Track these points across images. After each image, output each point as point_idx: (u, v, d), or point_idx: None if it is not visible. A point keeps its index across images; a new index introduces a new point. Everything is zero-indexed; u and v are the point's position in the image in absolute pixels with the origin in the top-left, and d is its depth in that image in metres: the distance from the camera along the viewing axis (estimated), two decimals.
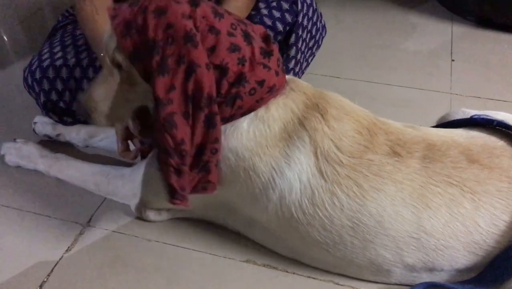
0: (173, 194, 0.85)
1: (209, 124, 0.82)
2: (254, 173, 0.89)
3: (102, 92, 0.89)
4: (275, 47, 0.90)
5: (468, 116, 1.02)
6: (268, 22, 1.28)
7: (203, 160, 0.85)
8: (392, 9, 2.02)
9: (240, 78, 0.84)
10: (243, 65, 0.84)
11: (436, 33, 1.84)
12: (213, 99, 0.82)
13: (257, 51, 0.86)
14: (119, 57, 0.84)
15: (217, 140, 0.84)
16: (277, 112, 0.89)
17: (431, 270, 0.88)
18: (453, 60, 1.67)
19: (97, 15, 1.09)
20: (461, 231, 0.84)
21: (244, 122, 0.88)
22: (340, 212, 0.86)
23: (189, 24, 0.79)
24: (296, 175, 0.87)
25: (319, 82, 1.53)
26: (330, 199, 0.86)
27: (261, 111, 0.89)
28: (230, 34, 0.83)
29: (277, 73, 0.89)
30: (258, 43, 0.87)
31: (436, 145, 0.90)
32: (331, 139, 0.88)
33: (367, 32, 1.86)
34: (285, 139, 0.88)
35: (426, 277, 0.90)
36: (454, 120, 1.07)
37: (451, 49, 1.73)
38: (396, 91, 1.52)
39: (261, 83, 0.86)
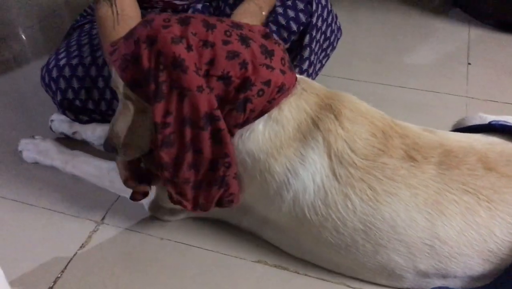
0: (172, 198, 0.91)
1: (216, 141, 0.84)
2: (269, 174, 0.89)
3: (123, 126, 0.89)
4: (276, 47, 0.89)
5: (486, 122, 1.01)
6: (283, 21, 1.28)
7: (219, 175, 0.86)
8: (408, 12, 2.01)
9: (245, 83, 0.84)
10: (245, 69, 0.83)
11: (453, 36, 1.83)
12: (215, 117, 0.82)
13: (257, 52, 0.85)
14: (127, 90, 0.85)
15: (227, 155, 0.85)
16: (290, 113, 0.89)
17: (444, 276, 0.87)
18: (469, 63, 1.65)
19: (117, 26, 1.09)
20: (476, 239, 0.83)
21: (259, 125, 0.89)
22: (353, 214, 0.86)
23: (178, 49, 0.79)
24: (310, 175, 0.87)
25: (334, 84, 1.53)
26: (343, 201, 0.86)
27: (274, 112, 0.89)
28: (225, 42, 0.83)
29: (283, 72, 0.88)
30: (258, 43, 0.86)
31: (453, 150, 0.89)
32: (345, 141, 0.87)
33: (382, 34, 1.85)
34: (300, 140, 0.88)
35: (438, 283, 0.89)
36: (472, 125, 1.05)
37: (468, 53, 1.71)
38: (411, 94, 1.51)
39: (267, 83, 0.85)
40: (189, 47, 0.81)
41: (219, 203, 0.92)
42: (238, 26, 0.88)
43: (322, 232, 0.89)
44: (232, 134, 0.88)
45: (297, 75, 0.96)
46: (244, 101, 0.85)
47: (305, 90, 0.92)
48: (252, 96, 0.85)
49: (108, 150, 0.93)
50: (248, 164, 0.90)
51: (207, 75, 0.82)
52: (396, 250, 0.85)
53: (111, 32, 1.07)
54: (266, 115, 0.89)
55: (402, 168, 0.86)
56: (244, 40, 0.85)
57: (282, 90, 0.88)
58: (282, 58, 0.89)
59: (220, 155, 0.84)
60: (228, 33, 0.85)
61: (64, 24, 1.93)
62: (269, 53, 0.87)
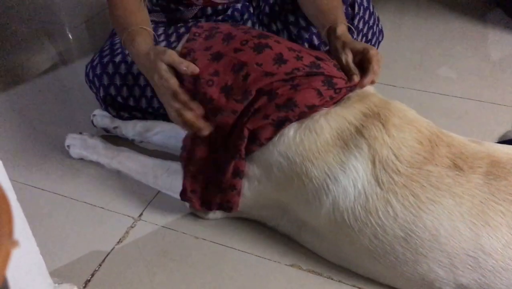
0: (183, 194, 1.01)
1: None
2: (306, 177, 0.89)
3: None
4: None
5: None
6: None
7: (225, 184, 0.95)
8: (454, 17, 1.96)
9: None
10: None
11: (501, 44, 1.77)
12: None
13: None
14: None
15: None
16: (325, 121, 0.90)
17: None
18: None
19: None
20: None
21: (290, 130, 0.91)
22: (393, 221, 0.84)
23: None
24: (351, 181, 0.86)
25: (374, 89, 1.51)
26: (384, 207, 0.84)
27: (306, 120, 0.90)
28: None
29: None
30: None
31: (501, 162, 0.86)
32: (390, 148, 0.86)
33: (426, 40, 1.81)
34: (340, 147, 0.88)
35: None
36: None
37: None
38: (453, 102, 1.47)
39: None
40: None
41: (221, 207, 1.00)
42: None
43: (361, 238, 0.87)
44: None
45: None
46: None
47: (349, 99, 0.92)
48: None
49: None
50: (284, 165, 0.90)
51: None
52: (437, 261, 0.83)
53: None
54: (295, 123, 0.90)
55: (448, 176, 0.84)
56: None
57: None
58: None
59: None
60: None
61: (109, 24, 1.98)
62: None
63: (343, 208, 0.87)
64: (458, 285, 0.84)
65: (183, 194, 1.01)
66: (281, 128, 0.90)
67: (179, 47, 1.00)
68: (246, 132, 0.91)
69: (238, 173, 0.95)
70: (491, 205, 0.81)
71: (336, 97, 0.93)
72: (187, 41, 0.98)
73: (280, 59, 0.92)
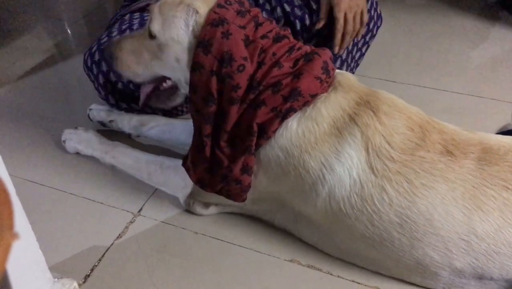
0: (184, 161, 0.99)
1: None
2: (303, 169, 0.89)
3: (129, 46, 1.02)
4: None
5: None
6: (315, 7, 1.28)
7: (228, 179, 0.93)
8: (453, 13, 1.96)
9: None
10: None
11: (500, 40, 1.77)
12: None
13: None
14: (155, 28, 0.93)
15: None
16: (326, 110, 0.89)
17: (480, 277, 0.85)
18: None
19: None
20: None
21: (293, 122, 0.89)
22: (388, 207, 0.85)
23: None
24: (347, 170, 0.86)
25: (373, 85, 1.48)
26: (379, 194, 0.85)
27: (308, 109, 0.89)
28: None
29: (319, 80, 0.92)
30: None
31: (493, 148, 0.87)
32: (383, 135, 0.87)
33: (425, 36, 1.81)
34: (335, 135, 0.88)
35: (474, 285, 0.86)
36: None
37: None
38: (453, 98, 1.47)
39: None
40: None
41: (224, 193, 0.97)
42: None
43: (357, 225, 0.88)
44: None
45: (337, 70, 0.96)
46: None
47: (342, 86, 0.92)
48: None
49: (106, 55, 1.08)
50: (281, 159, 0.90)
51: None
52: (431, 245, 0.84)
53: None
54: (299, 112, 0.89)
55: (440, 162, 0.85)
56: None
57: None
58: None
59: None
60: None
61: (107, 19, 1.98)
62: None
63: (339, 197, 0.87)
64: (453, 269, 0.85)
65: (184, 162, 0.99)
66: (286, 119, 0.89)
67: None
68: (255, 128, 0.89)
69: (247, 170, 0.92)
70: (483, 189, 0.82)
71: (330, 81, 0.93)
72: (218, 5, 0.90)
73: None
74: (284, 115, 0.89)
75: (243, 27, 0.89)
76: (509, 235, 0.81)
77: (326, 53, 0.95)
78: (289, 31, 0.98)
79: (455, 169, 0.84)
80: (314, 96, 0.90)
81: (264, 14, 1.23)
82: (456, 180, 0.83)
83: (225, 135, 0.91)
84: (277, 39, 0.92)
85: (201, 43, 0.88)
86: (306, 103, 0.89)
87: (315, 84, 0.90)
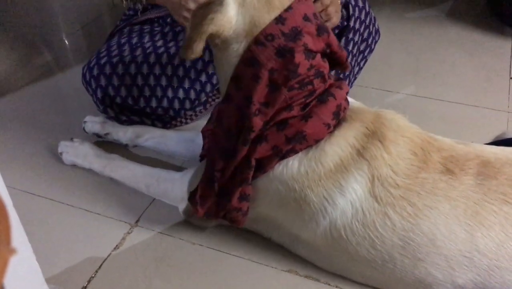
0: (191, 197, 0.97)
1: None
2: (304, 202, 0.89)
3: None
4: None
5: None
6: None
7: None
8: (448, 23, 1.97)
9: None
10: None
11: (495, 49, 1.78)
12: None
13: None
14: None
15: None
16: (331, 149, 0.88)
17: None
18: (511, 78, 1.61)
19: None
20: None
21: (295, 162, 0.88)
22: (391, 232, 0.85)
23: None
24: (349, 202, 0.86)
25: (369, 95, 1.52)
26: (382, 220, 0.85)
27: (311, 150, 0.88)
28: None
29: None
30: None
31: (490, 161, 0.87)
32: (389, 165, 0.87)
33: (420, 46, 1.82)
34: (341, 172, 0.87)
35: None
36: (509, 138, 1.03)
37: (510, 67, 1.66)
38: (449, 108, 1.48)
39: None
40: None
41: (227, 219, 0.96)
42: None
43: (359, 249, 0.88)
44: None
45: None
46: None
47: (345, 119, 0.91)
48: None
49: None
50: (281, 191, 0.90)
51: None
52: (434, 264, 0.84)
53: None
54: (300, 153, 0.89)
55: (441, 181, 0.85)
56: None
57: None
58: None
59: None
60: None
61: (105, 30, 1.98)
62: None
63: (341, 226, 0.87)
64: (455, 286, 0.85)
65: (192, 196, 0.98)
66: (285, 158, 0.89)
67: None
68: (253, 162, 0.88)
69: (245, 197, 0.92)
70: (484, 205, 0.83)
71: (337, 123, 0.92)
72: (255, 42, 0.86)
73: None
74: (283, 156, 0.88)
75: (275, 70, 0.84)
76: (511, 249, 0.81)
77: (342, 93, 0.92)
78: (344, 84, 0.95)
79: (455, 186, 0.84)
80: (318, 141, 0.89)
81: None
82: (458, 198, 0.84)
83: (229, 171, 0.91)
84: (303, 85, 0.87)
85: (234, 78, 0.87)
86: (308, 147, 0.89)
87: (322, 130, 0.88)
